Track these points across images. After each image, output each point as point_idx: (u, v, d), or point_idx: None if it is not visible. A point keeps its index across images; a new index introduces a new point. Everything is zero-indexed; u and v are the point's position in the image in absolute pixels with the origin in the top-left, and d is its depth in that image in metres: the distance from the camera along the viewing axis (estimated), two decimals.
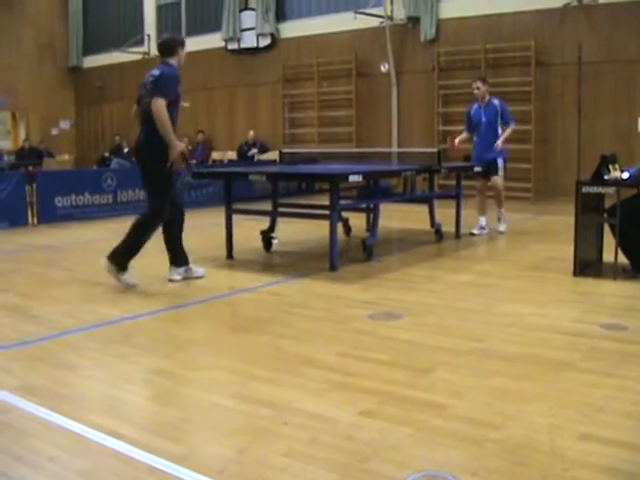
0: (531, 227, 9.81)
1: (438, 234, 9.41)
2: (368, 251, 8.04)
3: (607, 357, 4.47)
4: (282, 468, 3.00)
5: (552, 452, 3.11)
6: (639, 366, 4.27)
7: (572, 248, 7.03)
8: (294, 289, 6.75)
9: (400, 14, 16.72)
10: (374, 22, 16.85)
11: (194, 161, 17.30)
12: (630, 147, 12.94)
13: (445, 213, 9.74)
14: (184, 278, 7.09)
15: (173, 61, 6.85)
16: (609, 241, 7.25)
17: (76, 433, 3.40)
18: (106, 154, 21.07)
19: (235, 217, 8.34)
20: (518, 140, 13.17)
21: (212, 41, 20.31)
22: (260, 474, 2.97)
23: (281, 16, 19.20)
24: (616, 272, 6.82)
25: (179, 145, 6.72)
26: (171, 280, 7.03)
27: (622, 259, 6.89)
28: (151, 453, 3.15)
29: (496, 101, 9.99)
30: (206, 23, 20.87)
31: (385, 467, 3.01)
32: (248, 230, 9.18)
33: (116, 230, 10.34)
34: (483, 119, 9.91)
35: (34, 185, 11.98)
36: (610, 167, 6.94)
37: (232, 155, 19.56)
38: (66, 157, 21.91)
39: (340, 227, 8.81)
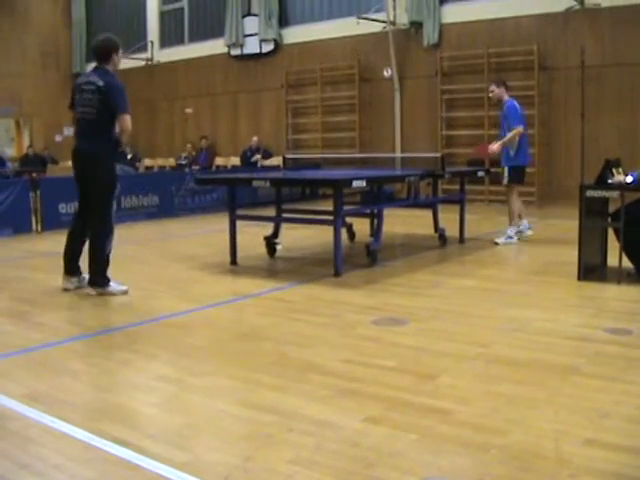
0: (535, 231, 9.76)
1: (442, 239, 9.40)
2: (372, 256, 8.03)
3: (612, 362, 4.46)
4: (288, 475, 3.00)
5: (558, 458, 3.10)
6: None
7: (576, 252, 7.01)
8: (298, 295, 6.75)
9: (403, 19, 16.74)
10: (377, 27, 16.86)
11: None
12: (633, 151, 12.91)
13: (449, 218, 9.73)
14: (76, 287, 6.91)
15: (108, 67, 6.76)
16: (613, 245, 7.24)
17: (81, 441, 3.39)
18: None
19: (239, 223, 8.34)
20: None
21: (215, 47, 20.37)
22: None
23: (284, 22, 19.22)
24: (620, 276, 6.81)
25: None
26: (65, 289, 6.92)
27: (626, 263, 6.88)
28: (156, 460, 3.15)
29: (508, 103, 9.57)
30: (209, 29, 20.91)
31: (390, 474, 3.00)
32: (252, 236, 9.19)
33: (120, 236, 10.37)
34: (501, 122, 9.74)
35: (38, 192, 11.99)
36: (614, 171, 6.93)
37: (235, 161, 19.59)
38: (70, 164, 21.88)
39: (344, 232, 8.81)
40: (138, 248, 9.13)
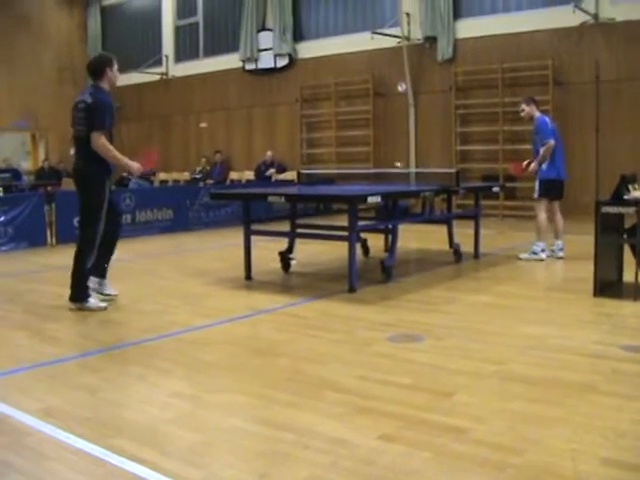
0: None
1: (457, 254, 9.37)
2: (387, 272, 8.01)
3: (629, 380, 4.43)
4: None
5: (575, 478, 3.07)
6: None
7: (591, 268, 6.98)
8: (313, 310, 6.74)
9: (417, 34, 16.76)
10: (391, 42, 16.90)
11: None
12: None
13: (463, 233, 9.70)
14: (94, 290, 6.98)
15: (103, 84, 6.80)
16: (629, 261, 7.21)
17: (95, 457, 3.39)
18: (124, 174, 21.14)
19: (253, 238, 8.34)
20: None
21: (230, 61, 20.45)
22: None
23: (298, 36, 19.29)
24: (636, 293, 6.76)
25: (133, 164, 6.90)
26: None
27: None
28: (171, 477, 3.15)
29: (539, 119, 9.44)
30: (224, 44, 21.00)
31: None
32: (266, 251, 9.20)
33: (134, 250, 10.43)
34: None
35: (53, 205, 12.05)
36: (630, 187, 6.91)
37: (250, 175, 19.62)
38: None
39: (358, 248, 8.80)
40: (152, 262, 9.15)
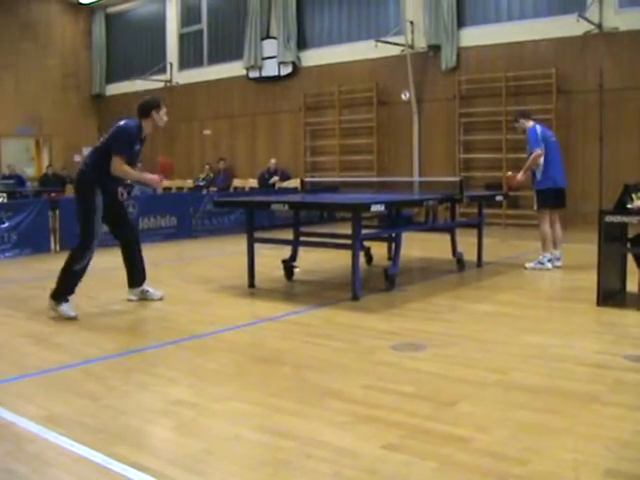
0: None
1: (460, 263, 9.37)
2: (390, 280, 8.01)
3: (632, 390, 4.43)
4: None
5: None
6: None
7: (594, 277, 6.98)
8: (316, 319, 6.74)
9: (421, 42, 16.79)
10: (395, 50, 16.94)
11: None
12: None
13: (466, 241, 9.70)
14: (140, 299, 7.50)
15: (146, 124, 7.23)
16: (632, 270, 7.20)
17: (98, 464, 3.40)
18: (128, 181, 21.17)
19: (256, 245, 8.35)
20: None
21: (233, 69, 20.50)
22: None
23: (302, 44, 19.33)
24: None
25: (152, 178, 7.40)
26: (129, 300, 7.50)
27: None
28: None
29: (529, 129, 9.41)
30: (228, 51, 21.05)
31: None
32: (269, 258, 9.21)
33: None
34: None
35: (57, 211, 12.07)
36: (633, 196, 6.91)
37: (253, 183, 19.62)
38: None
39: (362, 256, 8.80)
40: (156, 269, 9.13)
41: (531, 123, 9.49)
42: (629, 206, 6.88)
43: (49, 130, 23.35)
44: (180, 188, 21.23)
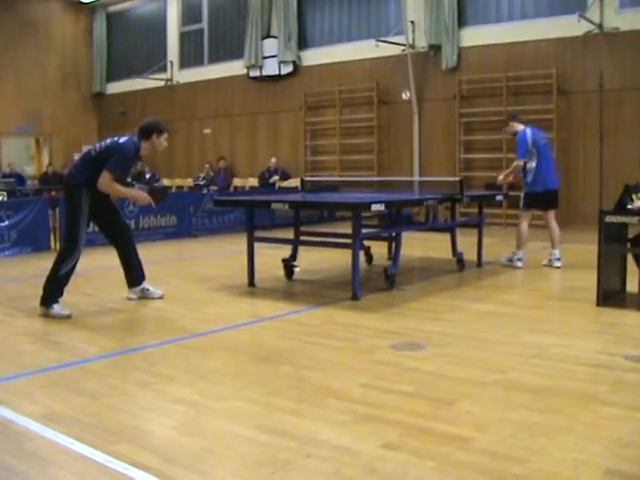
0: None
1: (460, 263, 9.37)
2: (390, 280, 8.01)
3: (632, 390, 4.43)
4: None
5: None
6: None
7: (594, 277, 6.98)
8: (316, 318, 6.74)
9: (421, 42, 16.80)
10: (396, 50, 16.95)
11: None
12: None
13: (466, 241, 9.70)
14: (140, 298, 7.51)
15: (144, 144, 7.16)
16: (632, 270, 7.20)
17: (99, 463, 3.39)
18: (128, 179, 21.16)
19: (256, 244, 8.35)
20: None
21: (234, 68, 20.51)
22: None
23: (303, 44, 19.34)
24: None
25: (141, 195, 7.36)
26: (128, 298, 7.51)
27: None
28: None
29: (519, 134, 9.43)
30: (228, 50, 21.06)
31: None
32: (269, 257, 9.20)
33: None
34: None
35: (57, 210, 12.06)
36: (633, 196, 6.90)
37: (253, 182, 19.64)
38: None
39: (362, 255, 8.80)
40: (156, 268, 9.14)
41: (521, 127, 9.51)
42: (629, 206, 6.88)
43: (49, 128, 23.36)
44: (180, 187, 21.25)
